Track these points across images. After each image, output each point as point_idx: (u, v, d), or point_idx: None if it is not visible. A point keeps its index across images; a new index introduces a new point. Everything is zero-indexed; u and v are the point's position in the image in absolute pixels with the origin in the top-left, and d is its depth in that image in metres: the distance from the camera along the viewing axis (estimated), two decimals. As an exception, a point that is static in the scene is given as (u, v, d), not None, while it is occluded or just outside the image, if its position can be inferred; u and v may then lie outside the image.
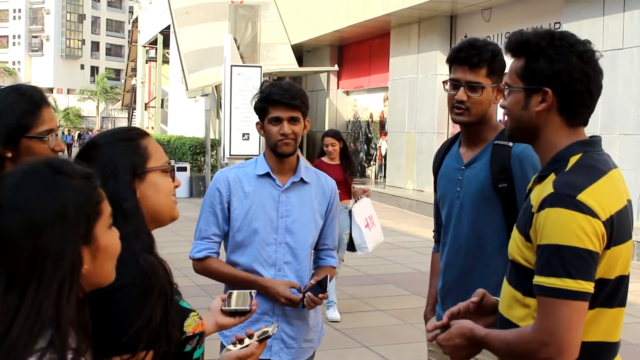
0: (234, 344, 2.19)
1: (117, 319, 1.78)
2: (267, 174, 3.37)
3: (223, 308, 2.42)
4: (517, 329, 2.12)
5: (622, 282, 2.09)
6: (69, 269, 1.46)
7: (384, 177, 21.96)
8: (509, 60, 2.31)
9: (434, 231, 3.53)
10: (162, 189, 2.05)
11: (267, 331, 2.25)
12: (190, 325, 1.99)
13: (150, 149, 2.05)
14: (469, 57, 3.06)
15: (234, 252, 3.40)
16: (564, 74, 2.12)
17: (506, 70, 2.35)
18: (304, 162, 3.52)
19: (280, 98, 3.27)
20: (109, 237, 1.58)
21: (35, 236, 1.43)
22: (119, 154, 1.99)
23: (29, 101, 2.49)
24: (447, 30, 19.00)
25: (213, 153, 21.67)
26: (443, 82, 3.21)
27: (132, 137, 2.05)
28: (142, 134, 2.09)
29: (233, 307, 2.43)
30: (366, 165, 24.23)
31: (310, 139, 25.20)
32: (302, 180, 3.40)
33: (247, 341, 2.19)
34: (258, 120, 3.41)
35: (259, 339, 2.20)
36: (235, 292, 2.52)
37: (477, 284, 2.88)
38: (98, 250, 1.54)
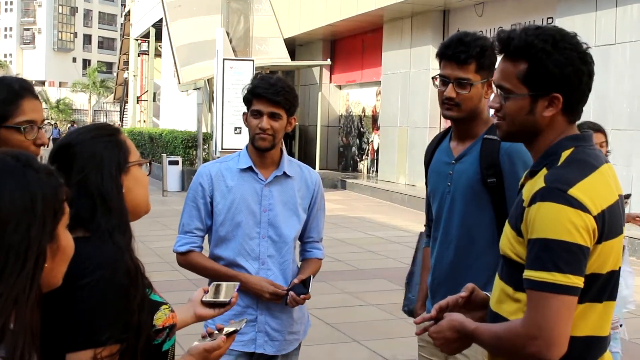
0: (204, 337, 2.22)
1: (94, 311, 1.81)
2: (250, 168, 3.39)
3: (203, 299, 2.44)
4: (507, 323, 2.12)
5: (612, 276, 2.08)
6: (32, 265, 1.41)
7: (376, 171, 21.97)
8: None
9: (425, 225, 3.52)
10: (141, 182, 2.11)
11: (236, 326, 2.27)
12: (160, 319, 2.01)
13: (129, 143, 2.10)
14: (457, 53, 3.03)
15: (218, 246, 3.42)
16: (574, 77, 2.09)
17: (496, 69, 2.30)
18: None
19: (263, 92, 3.29)
20: (67, 238, 1.54)
21: (0, 229, 1.37)
22: (103, 149, 2.02)
23: (7, 90, 2.41)
24: (439, 25, 18.99)
25: (205, 147, 21.65)
26: (432, 77, 3.19)
27: (112, 133, 2.08)
28: (118, 129, 2.14)
29: (212, 298, 2.44)
30: (358, 159, 24.23)
31: (302, 134, 25.19)
32: (285, 174, 3.41)
33: (216, 335, 2.21)
34: (245, 111, 3.42)
35: (226, 332, 2.22)
36: (216, 284, 2.54)
37: (467, 279, 2.87)
38: (57, 250, 1.50)
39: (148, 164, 2.17)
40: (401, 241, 12.24)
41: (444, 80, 3.08)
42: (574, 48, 2.10)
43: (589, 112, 12.45)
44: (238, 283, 2.61)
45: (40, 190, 1.44)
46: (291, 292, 3.29)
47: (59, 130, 50.65)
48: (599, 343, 2.12)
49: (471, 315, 2.30)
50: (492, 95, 2.27)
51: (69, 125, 58.44)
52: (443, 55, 3.09)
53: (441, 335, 2.26)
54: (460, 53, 3.02)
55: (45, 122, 2.55)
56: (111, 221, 1.94)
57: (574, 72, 2.09)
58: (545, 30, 2.14)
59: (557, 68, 2.08)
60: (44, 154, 2.35)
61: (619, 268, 2.12)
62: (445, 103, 3.09)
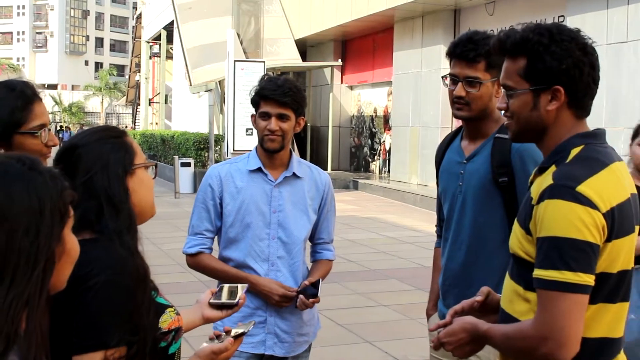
0: (211, 339, 2.21)
1: (102, 313, 1.80)
2: (259, 169, 3.38)
3: (210, 301, 2.43)
4: (517, 324, 2.09)
5: (624, 276, 2.06)
6: (42, 269, 1.39)
7: (388, 171, 21.95)
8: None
9: (436, 226, 3.50)
10: (147, 184, 2.09)
11: (244, 329, 2.27)
12: (165, 322, 2.01)
13: (135, 145, 2.09)
14: (465, 51, 3.02)
15: (227, 248, 3.40)
16: (574, 69, 2.07)
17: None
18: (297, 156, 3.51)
19: (270, 94, 3.28)
20: (72, 240, 1.53)
21: (9, 233, 1.36)
22: (110, 150, 2.02)
23: (20, 96, 2.45)
24: (450, 24, 18.96)
25: (217, 148, 21.67)
26: (442, 77, 3.18)
27: (117, 135, 2.08)
28: (124, 131, 2.13)
29: (220, 300, 2.43)
30: (370, 160, 24.21)
31: (314, 135, 25.18)
32: (294, 175, 3.40)
33: (224, 337, 2.20)
34: (253, 112, 3.41)
35: (234, 335, 2.21)
36: (225, 286, 2.53)
37: (478, 279, 2.86)
38: (63, 253, 1.48)
39: (154, 167, 2.16)
40: (413, 241, 12.22)
41: (454, 79, 3.07)
42: (572, 40, 2.09)
43: (601, 111, 12.40)
44: (246, 285, 2.60)
45: (48, 193, 1.43)
46: (301, 296, 3.27)
47: (70, 133, 50.41)
48: (613, 344, 2.09)
49: (486, 318, 2.27)
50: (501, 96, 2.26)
51: (78, 128, 58.42)
52: (452, 54, 3.07)
53: (454, 338, 2.22)
54: (469, 51, 3.01)
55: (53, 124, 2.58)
56: (119, 223, 1.93)
57: (573, 64, 2.07)
58: (543, 25, 2.14)
59: (556, 60, 2.07)
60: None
61: (632, 268, 2.10)
62: (456, 102, 3.08)
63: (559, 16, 14.90)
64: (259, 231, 3.35)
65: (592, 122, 2.19)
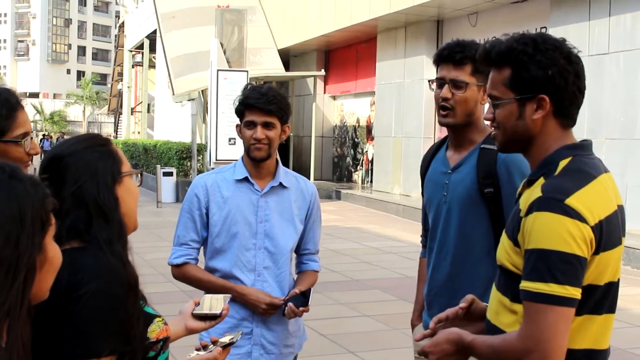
0: (198, 350, 2.19)
1: (91, 322, 1.78)
2: (246, 179, 3.36)
3: (193, 312, 2.41)
4: (503, 335, 2.09)
5: (610, 288, 2.06)
6: (23, 279, 1.37)
7: (371, 181, 21.96)
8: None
9: (421, 236, 3.50)
10: (133, 193, 2.07)
11: (232, 338, 2.25)
12: (154, 331, 1.99)
13: (120, 153, 2.06)
14: (453, 54, 3.05)
15: (213, 258, 3.38)
16: (559, 77, 2.08)
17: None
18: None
19: (255, 102, 3.27)
20: (54, 249, 1.50)
21: None
22: (98, 159, 1.99)
23: (5, 104, 2.42)
24: (433, 35, 19.03)
25: (199, 158, 21.63)
26: (429, 81, 3.20)
27: (103, 143, 2.05)
28: (109, 140, 2.11)
29: (203, 311, 2.41)
30: (353, 170, 24.22)
31: (296, 145, 25.18)
32: (281, 184, 3.39)
33: (211, 347, 2.18)
34: (238, 122, 3.39)
35: (222, 345, 2.19)
36: (208, 296, 2.51)
37: (463, 289, 2.85)
38: (45, 262, 1.46)
39: (139, 175, 2.14)
40: (396, 252, 12.22)
41: (440, 82, 3.08)
42: (556, 49, 2.10)
43: (583, 122, 12.47)
44: (230, 295, 2.59)
45: (29, 201, 1.41)
46: (290, 304, 3.25)
47: (51, 142, 49.89)
48: (598, 356, 2.09)
49: (472, 327, 2.27)
50: (487, 106, 2.26)
51: (57, 136, 57.91)
52: (440, 56, 3.10)
53: (438, 348, 2.21)
54: (456, 53, 3.04)
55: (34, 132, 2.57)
56: (109, 232, 1.91)
57: (558, 73, 2.08)
58: (527, 35, 2.15)
59: (540, 69, 2.08)
60: (35, 164, 2.34)
61: (618, 280, 2.10)
62: (442, 107, 3.09)
63: (542, 27, 14.99)
64: (246, 241, 3.33)
65: (573, 133, 2.20)
